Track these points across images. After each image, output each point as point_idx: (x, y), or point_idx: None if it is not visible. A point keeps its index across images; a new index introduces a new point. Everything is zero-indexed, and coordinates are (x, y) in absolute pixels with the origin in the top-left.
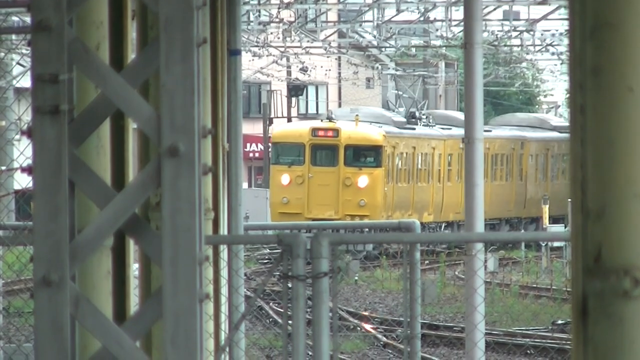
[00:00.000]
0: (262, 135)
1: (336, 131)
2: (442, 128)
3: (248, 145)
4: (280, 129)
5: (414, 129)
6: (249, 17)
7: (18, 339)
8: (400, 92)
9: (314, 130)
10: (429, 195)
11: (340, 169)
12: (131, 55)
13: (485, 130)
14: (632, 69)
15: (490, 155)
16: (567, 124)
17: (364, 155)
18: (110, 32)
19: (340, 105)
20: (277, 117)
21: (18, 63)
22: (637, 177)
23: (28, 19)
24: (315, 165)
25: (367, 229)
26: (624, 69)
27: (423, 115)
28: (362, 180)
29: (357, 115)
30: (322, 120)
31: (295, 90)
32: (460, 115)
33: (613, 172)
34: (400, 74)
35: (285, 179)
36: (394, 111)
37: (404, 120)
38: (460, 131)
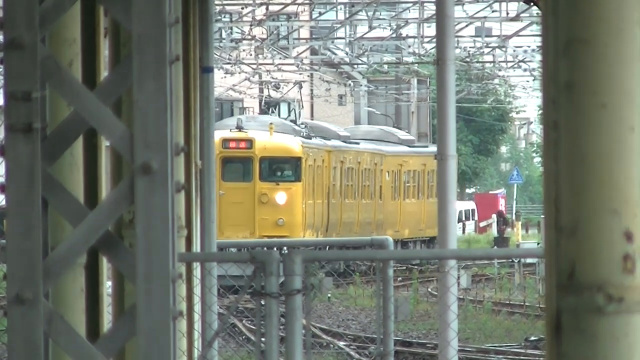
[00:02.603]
0: None
1: (250, 142)
2: (323, 139)
3: None
4: None
5: (310, 138)
6: (221, 35)
7: None
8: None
9: (225, 142)
10: (311, 213)
11: (255, 184)
12: (104, 72)
13: (354, 142)
14: (605, 85)
15: (360, 171)
16: (412, 137)
17: (281, 168)
18: (82, 49)
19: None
20: None
21: None
22: (611, 193)
23: (0, 37)
24: (227, 180)
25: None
26: (597, 85)
27: (302, 125)
28: (280, 197)
29: (271, 123)
30: (230, 130)
31: (268, 107)
32: (331, 127)
33: (586, 188)
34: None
35: None
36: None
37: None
38: (336, 143)
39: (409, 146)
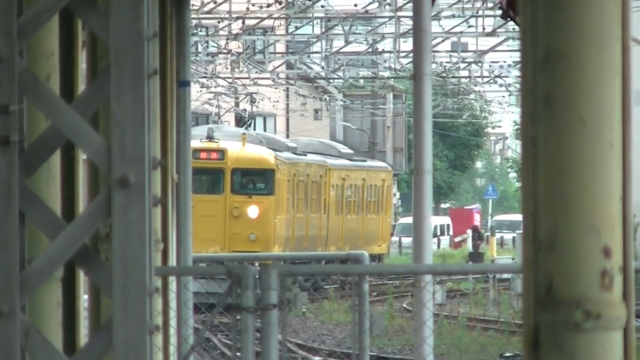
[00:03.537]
0: None
1: (222, 152)
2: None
3: None
4: None
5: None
6: (197, 48)
7: None
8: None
9: (195, 152)
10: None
11: (227, 197)
12: (81, 85)
13: (301, 154)
14: (584, 99)
15: (309, 183)
16: (351, 151)
17: (254, 180)
18: (60, 62)
19: (288, 137)
20: None
21: None
22: (589, 208)
23: None
24: (197, 192)
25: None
26: (576, 100)
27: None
28: (253, 211)
29: (243, 134)
30: (201, 140)
31: (244, 121)
32: (280, 138)
33: (565, 204)
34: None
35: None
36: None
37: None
38: (288, 155)
39: (350, 160)
